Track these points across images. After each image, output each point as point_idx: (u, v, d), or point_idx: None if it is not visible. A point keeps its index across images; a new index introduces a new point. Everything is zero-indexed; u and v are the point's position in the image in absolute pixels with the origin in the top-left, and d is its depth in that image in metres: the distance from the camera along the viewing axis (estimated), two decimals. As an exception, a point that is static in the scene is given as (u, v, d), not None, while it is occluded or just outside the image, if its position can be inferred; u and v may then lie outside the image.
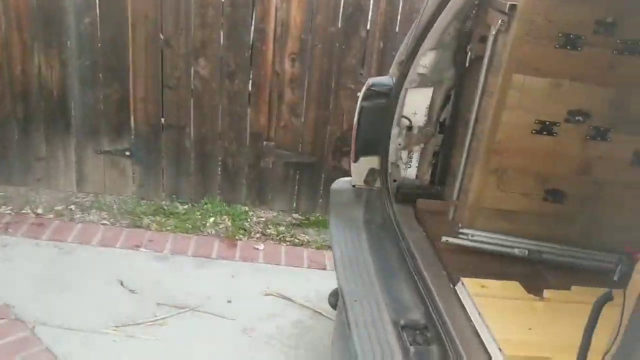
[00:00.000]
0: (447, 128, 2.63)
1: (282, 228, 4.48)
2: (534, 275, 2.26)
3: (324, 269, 4.08)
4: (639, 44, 2.20)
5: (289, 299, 3.65)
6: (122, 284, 3.53)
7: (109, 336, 3.10)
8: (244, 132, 4.43)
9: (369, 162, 2.69)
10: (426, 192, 2.70)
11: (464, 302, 2.04)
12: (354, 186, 2.76)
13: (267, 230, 4.42)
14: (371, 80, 2.62)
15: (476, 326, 1.92)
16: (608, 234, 2.47)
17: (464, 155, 2.47)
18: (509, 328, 1.89)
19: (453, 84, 2.59)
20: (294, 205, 4.70)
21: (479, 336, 1.89)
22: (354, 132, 2.67)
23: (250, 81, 4.28)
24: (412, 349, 1.92)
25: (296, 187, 4.64)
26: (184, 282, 3.66)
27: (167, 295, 3.50)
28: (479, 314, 1.94)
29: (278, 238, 4.36)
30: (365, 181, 2.72)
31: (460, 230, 2.37)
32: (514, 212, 2.45)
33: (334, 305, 2.67)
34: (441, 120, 2.70)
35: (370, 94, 2.59)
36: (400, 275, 2.35)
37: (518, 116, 2.28)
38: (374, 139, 2.64)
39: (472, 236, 2.35)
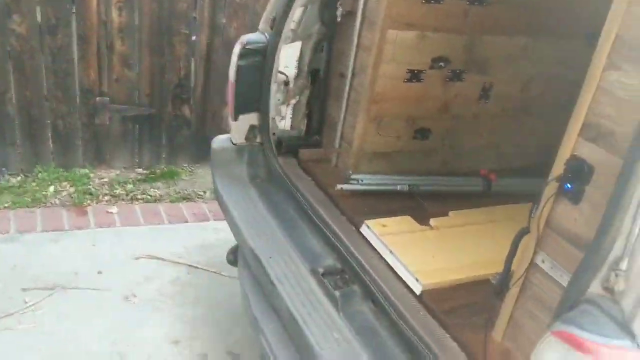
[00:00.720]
0: (322, 80, 2.76)
1: (129, 186, 4.33)
2: (417, 207, 2.57)
3: (186, 221, 4.09)
4: (487, -6, 2.52)
5: (161, 258, 3.63)
6: (-25, 275, 3.21)
7: (-19, 334, 2.85)
8: (73, 90, 4.11)
9: (249, 119, 2.73)
10: (306, 143, 2.84)
11: (372, 242, 2.27)
12: (234, 144, 2.80)
13: (115, 190, 4.25)
14: (245, 39, 2.62)
15: (390, 262, 2.17)
16: (464, 160, 2.87)
17: (343, 106, 2.65)
18: (416, 259, 2.17)
19: (321, 37, 2.70)
20: (137, 160, 4.56)
21: (393, 271, 2.14)
22: (231, 91, 2.67)
23: (75, 34, 3.94)
24: (337, 293, 2.12)
25: (137, 141, 4.48)
26: (44, 261, 3.42)
27: (31, 278, 3.27)
28: (390, 251, 2.19)
29: (129, 197, 4.22)
30: (246, 138, 2.77)
31: (352, 177, 2.57)
32: (389, 153, 2.72)
33: (233, 263, 2.75)
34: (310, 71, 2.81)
35: (246, 53, 2.60)
36: (302, 226, 2.51)
37: (393, 68, 2.50)
38: (252, 97, 2.68)
39: (362, 181, 2.57)
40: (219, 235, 3.95)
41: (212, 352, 3.00)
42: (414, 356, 1.87)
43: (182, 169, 4.72)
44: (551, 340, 1.20)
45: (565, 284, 1.61)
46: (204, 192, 4.46)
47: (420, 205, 2.58)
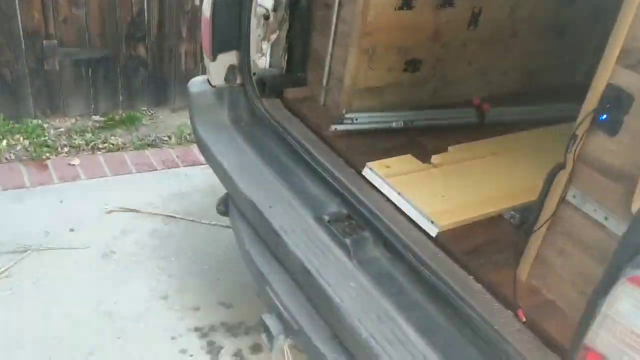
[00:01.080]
0: (303, 12, 2.55)
1: (89, 135, 4.07)
2: (414, 143, 2.46)
3: (155, 169, 3.90)
4: None
5: (135, 210, 3.45)
6: (-64, 242, 2.96)
7: (-45, 306, 2.66)
8: (17, 34, 3.75)
9: (228, 58, 2.51)
10: (289, 81, 2.65)
11: (377, 185, 2.16)
12: (213, 86, 2.59)
13: (74, 141, 3.98)
14: (220, -30, 2.38)
15: (400, 205, 2.07)
16: (455, 89, 2.77)
17: (331, 39, 2.47)
18: (427, 200, 2.07)
19: (300, -36, 2.49)
20: (93, 107, 4.27)
21: (405, 214, 2.05)
22: (207, 29, 2.44)
23: (13, -28, 3.56)
24: (347, 240, 2.01)
25: (91, 86, 4.19)
26: (10, 222, 3.20)
27: (-1, 242, 3.06)
28: (399, 193, 2.09)
29: (89, 147, 3.97)
30: (226, 79, 2.56)
31: (346, 116, 2.43)
32: (380, 87, 2.58)
33: (224, 213, 2.60)
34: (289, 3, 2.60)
35: (222, -15, 2.37)
36: (297, 171, 2.36)
37: (384, -4, 2.33)
38: (231, 34, 2.45)
39: (356, 119, 2.43)
40: (192, 182, 3.79)
41: (204, 304, 2.91)
42: (437, 300, 1.81)
43: (142, 113, 4.46)
44: (626, 287, 1.14)
45: (598, 218, 1.56)
46: (169, 137, 4.24)
47: (416, 141, 2.47)
